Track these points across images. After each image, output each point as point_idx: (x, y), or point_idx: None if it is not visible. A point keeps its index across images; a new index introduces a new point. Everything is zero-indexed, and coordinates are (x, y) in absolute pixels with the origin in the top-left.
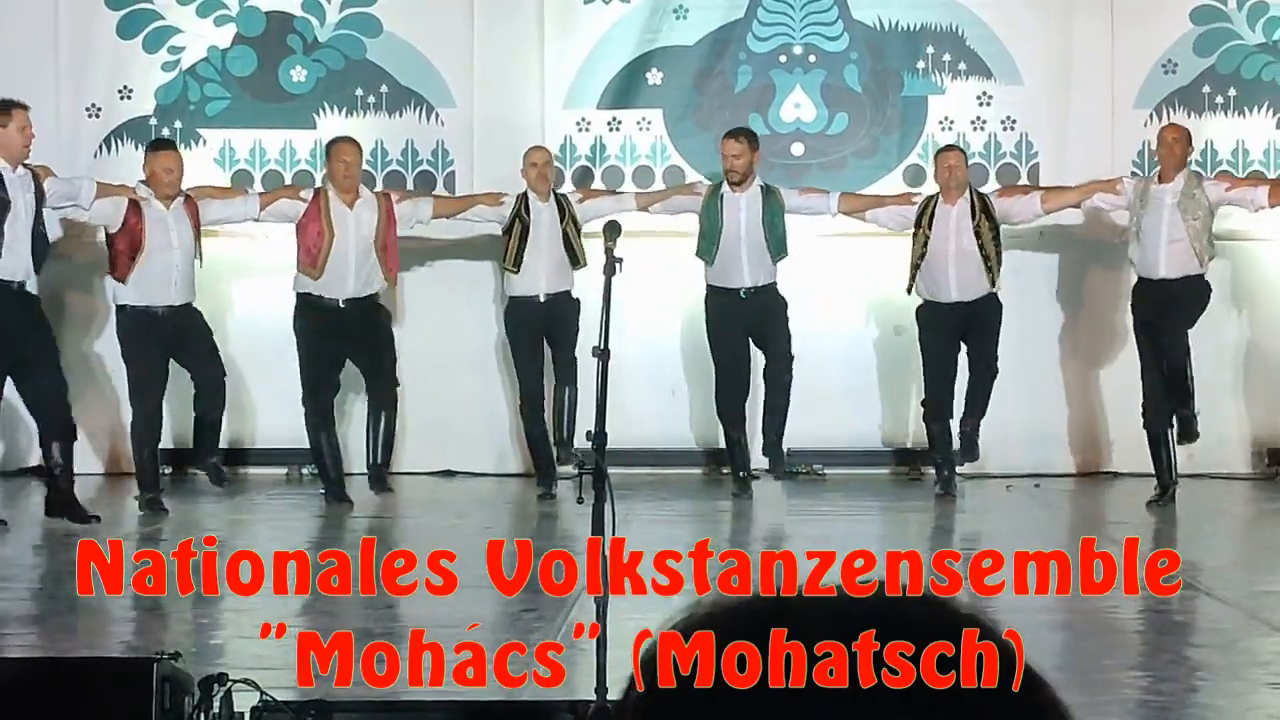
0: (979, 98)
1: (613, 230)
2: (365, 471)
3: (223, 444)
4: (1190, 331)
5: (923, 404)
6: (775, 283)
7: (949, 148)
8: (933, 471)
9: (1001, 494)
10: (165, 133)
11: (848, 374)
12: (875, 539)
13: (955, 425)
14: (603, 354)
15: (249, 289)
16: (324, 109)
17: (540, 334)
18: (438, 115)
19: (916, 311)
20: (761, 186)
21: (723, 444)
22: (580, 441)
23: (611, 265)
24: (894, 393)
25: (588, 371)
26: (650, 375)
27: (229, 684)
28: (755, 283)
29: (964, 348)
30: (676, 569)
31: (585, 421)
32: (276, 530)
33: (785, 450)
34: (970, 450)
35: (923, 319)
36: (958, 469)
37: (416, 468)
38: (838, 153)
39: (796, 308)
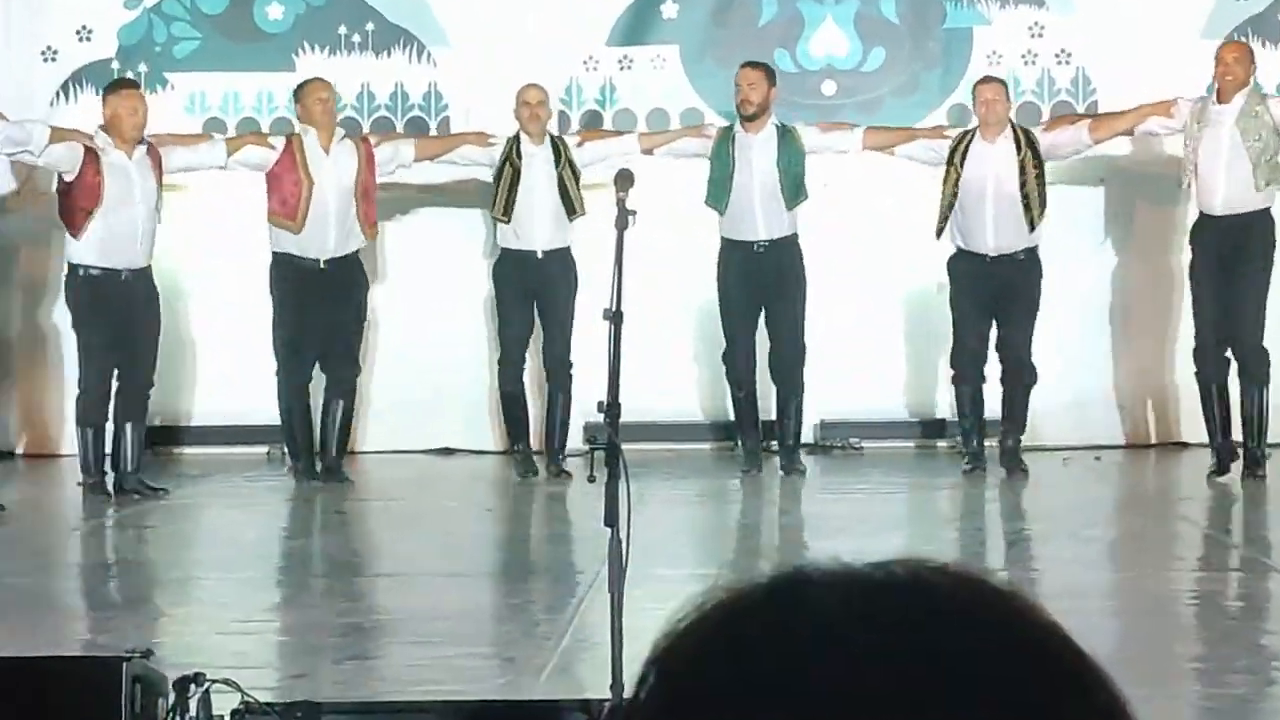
0: (1030, 29)
1: (625, 179)
2: (321, 461)
3: (196, 421)
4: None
5: (951, 363)
6: (794, 234)
7: (987, 79)
8: (960, 442)
9: (1056, 469)
10: (129, 77)
11: (877, 343)
12: (914, 519)
13: (986, 390)
14: (615, 316)
15: (211, 248)
16: (304, 49)
17: (531, 294)
18: (430, 55)
19: (949, 263)
20: (777, 126)
21: (732, 415)
22: (591, 415)
23: (624, 218)
24: (924, 361)
25: (581, 346)
26: (658, 340)
27: (206, 684)
28: (770, 235)
29: (995, 324)
30: (697, 556)
31: (586, 393)
32: (255, 515)
33: (801, 451)
34: (1013, 466)
35: (956, 273)
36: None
37: (411, 445)
38: (873, 91)
39: (824, 262)
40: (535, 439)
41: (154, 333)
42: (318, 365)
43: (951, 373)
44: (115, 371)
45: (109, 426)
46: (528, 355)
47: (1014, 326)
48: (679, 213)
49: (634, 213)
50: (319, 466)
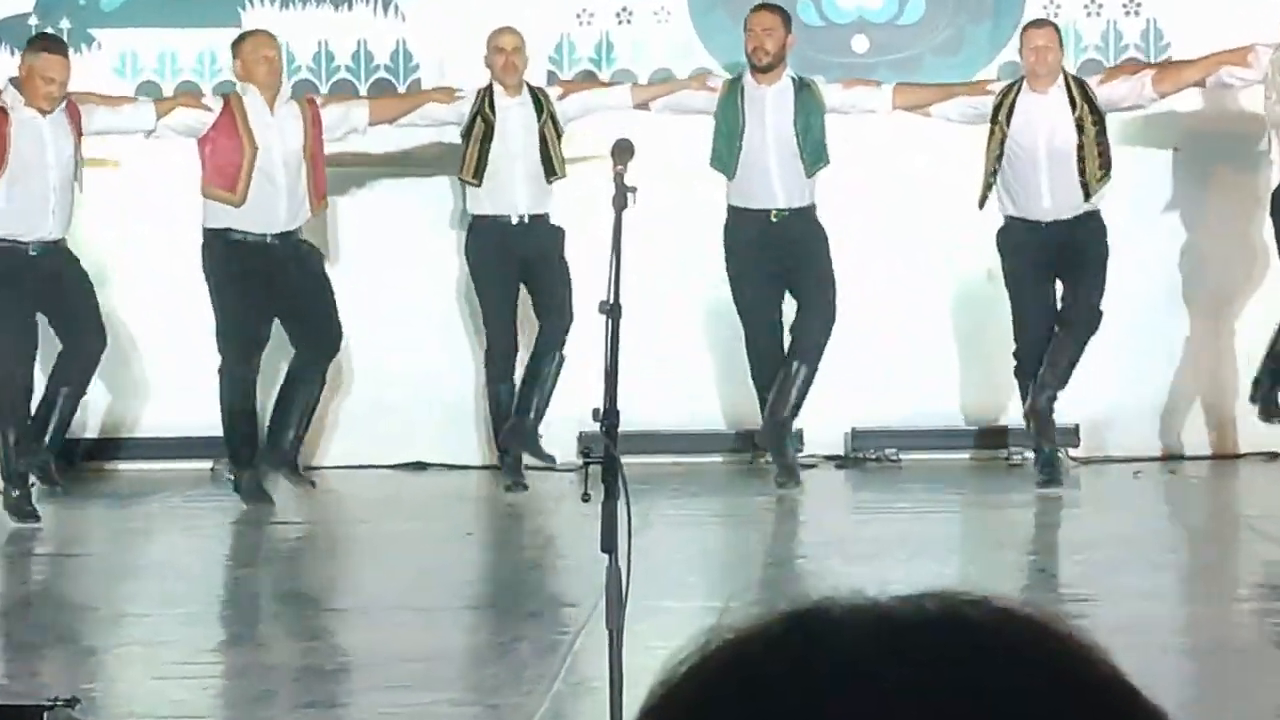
0: None
1: (623, 151)
2: (270, 455)
3: (141, 431)
4: None
5: (1014, 355)
6: (813, 205)
7: (1038, 23)
8: (1031, 454)
9: (1125, 483)
10: (52, 33)
11: (921, 334)
12: (961, 542)
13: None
14: (612, 310)
15: (140, 230)
16: (251, 1)
17: (514, 266)
18: (398, 8)
19: (998, 236)
20: (793, 79)
21: (760, 420)
22: (586, 424)
23: (622, 196)
24: (980, 357)
25: (578, 337)
26: (663, 335)
27: None
28: (788, 204)
29: (1060, 291)
30: (708, 586)
31: (580, 399)
32: (197, 540)
33: (797, 435)
34: (1044, 431)
35: (1007, 244)
36: (1058, 453)
37: (377, 459)
38: (911, 48)
39: (848, 243)
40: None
41: (85, 296)
42: (292, 344)
43: (1014, 364)
44: (33, 362)
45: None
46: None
47: (1082, 283)
48: (688, 183)
49: (634, 190)
50: (274, 460)
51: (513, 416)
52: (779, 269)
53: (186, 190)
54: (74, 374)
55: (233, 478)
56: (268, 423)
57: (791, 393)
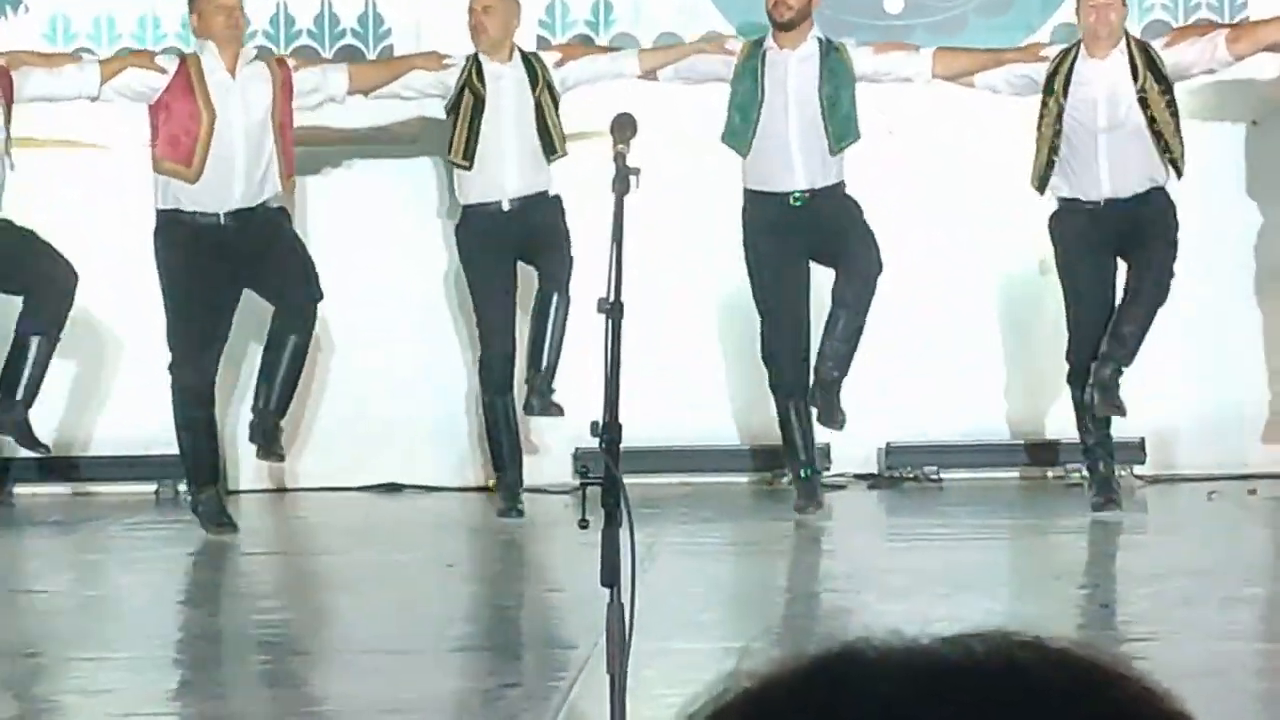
0: None
1: (624, 127)
2: (253, 413)
3: (96, 449)
4: None
5: (1067, 358)
6: (841, 183)
7: None
8: (1086, 471)
9: (1199, 504)
10: None
11: (963, 336)
12: (1011, 574)
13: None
14: (612, 309)
15: (82, 217)
16: None
17: (510, 257)
18: None
19: (1050, 221)
20: (821, 41)
21: (778, 437)
22: (583, 439)
23: (623, 179)
24: (1029, 361)
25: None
26: (671, 338)
27: None
28: (811, 184)
29: (1120, 265)
30: (723, 625)
31: (576, 411)
32: (142, 575)
33: (823, 450)
34: (1109, 402)
35: (1060, 230)
36: (1109, 455)
37: (346, 480)
38: (953, 8)
39: (880, 233)
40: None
41: (39, 250)
42: (270, 302)
43: (1067, 369)
44: None
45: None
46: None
47: (1149, 261)
48: (701, 162)
49: (637, 171)
50: (251, 418)
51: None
52: (804, 257)
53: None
54: (39, 318)
55: (191, 499)
56: (255, 384)
57: (833, 344)
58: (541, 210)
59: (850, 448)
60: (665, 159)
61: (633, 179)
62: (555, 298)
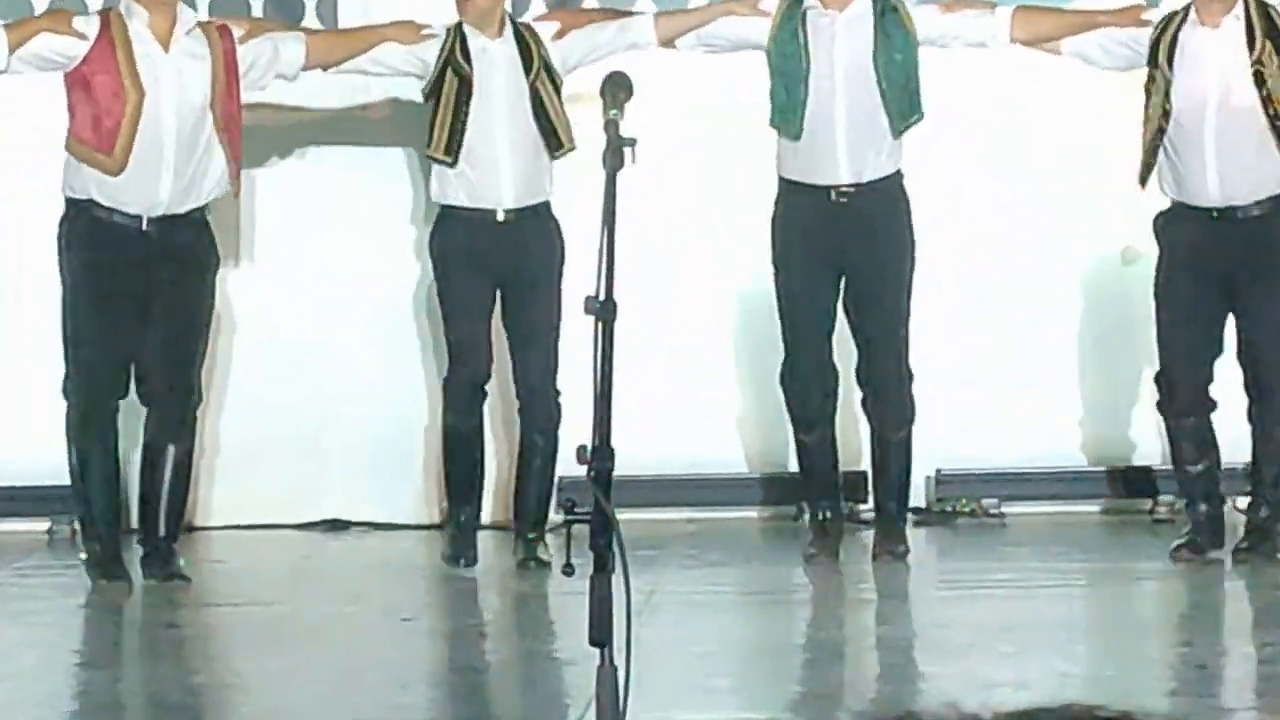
0: None
1: (616, 86)
2: (142, 546)
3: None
4: None
5: (1156, 381)
6: (897, 174)
7: None
8: (1182, 504)
9: None
10: None
11: (1030, 342)
12: (1092, 631)
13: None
14: (603, 309)
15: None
16: None
17: (492, 277)
18: None
19: (1156, 221)
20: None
21: (794, 464)
22: (569, 466)
23: (616, 151)
24: (1111, 373)
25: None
26: (674, 347)
27: None
28: (858, 176)
29: (1232, 315)
30: (737, 692)
31: (568, 427)
32: (31, 629)
33: (857, 482)
34: (1263, 548)
35: (1168, 240)
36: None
37: (282, 517)
38: None
39: (933, 223)
40: (487, 505)
41: None
42: (134, 389)
43: (1156, 396)
44: None
45: None
46: (492, 373)
47: (1264, 319)
48: (719, 136)
49: (632, 142)
50: (142, 552)
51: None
52: (838, 270)
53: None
54: None
55: (85, 555)
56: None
57: (890, 475)
58: (539, 232)
59: None
60: (675, 132)
61: (627, 152)
62: (538, 445)
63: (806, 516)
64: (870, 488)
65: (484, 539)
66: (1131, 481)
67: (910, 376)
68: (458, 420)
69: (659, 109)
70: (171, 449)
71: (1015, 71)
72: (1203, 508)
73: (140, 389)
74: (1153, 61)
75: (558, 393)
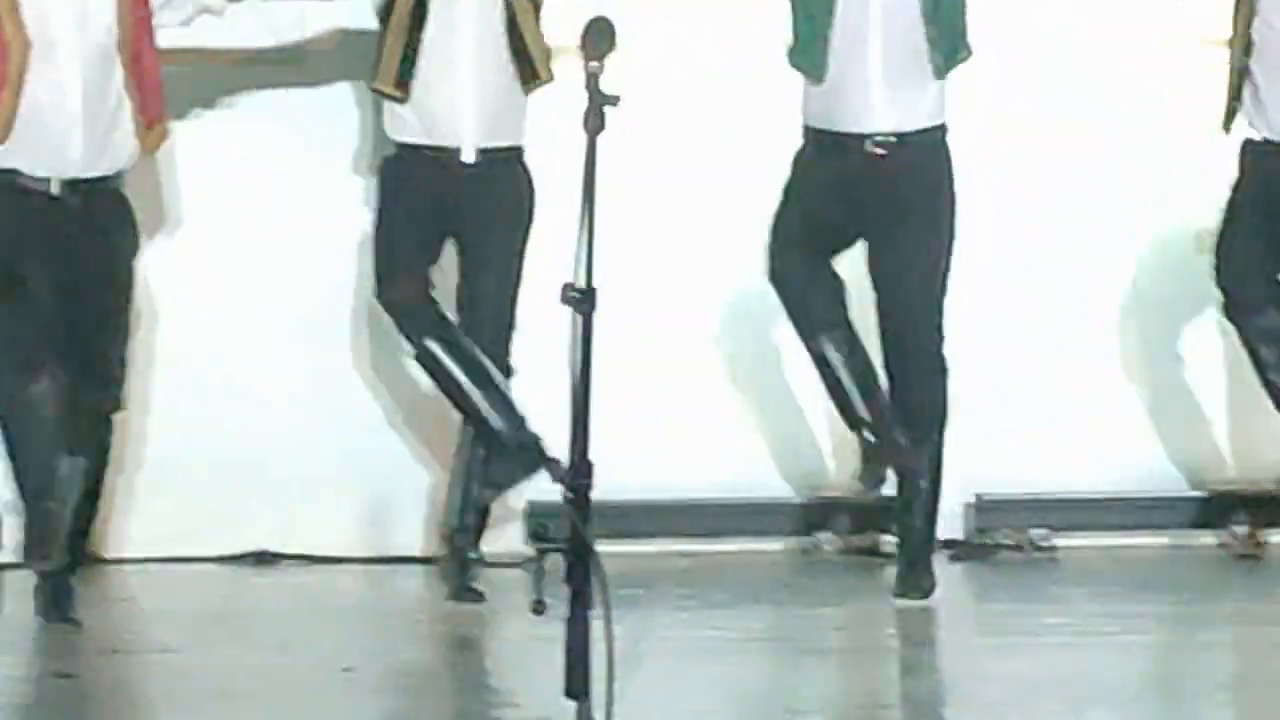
0: None
1: (599, 37)
2: (36, 586)
3: None
4: None
5: (1219, 283)
6: (941, 127)
7: None
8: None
9: None
10: None
11: (1085, 344)
12: (1160, 685)
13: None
14: (582, 299)
15: None
16: None
17: (445, 224)
18: None
19: (1241, 154)
20: None
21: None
22: (540, 486)
23: (598, 111)
24: (1180, 379)
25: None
26: (669, 344)
27: None
28: (898, 125)
29: None
30: None
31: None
32: None
33: (881, 508)
34: None
35: (1254, 171)
36: None
37: (201, 548)
38: None
39: (973, 195)
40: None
41: None
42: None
43: (1221, 298)
44: None
45: None
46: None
47: None
48: (725, 99)
49: (615, 100)
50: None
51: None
52: (860, 225)
53: None
54: None
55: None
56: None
57: (917, 501)
58: (506, 180)
59: None
60: (663, 84)
61: (609, 111)
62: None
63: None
64: (897, 511)
65: (422, 574)
66: (1207, 509)
67: (945, 368)
68: (425, 338)
69: (651, 73)
70: (82, 461)
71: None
72: None
73: (53, 381)
74: None
75: (510, 369)
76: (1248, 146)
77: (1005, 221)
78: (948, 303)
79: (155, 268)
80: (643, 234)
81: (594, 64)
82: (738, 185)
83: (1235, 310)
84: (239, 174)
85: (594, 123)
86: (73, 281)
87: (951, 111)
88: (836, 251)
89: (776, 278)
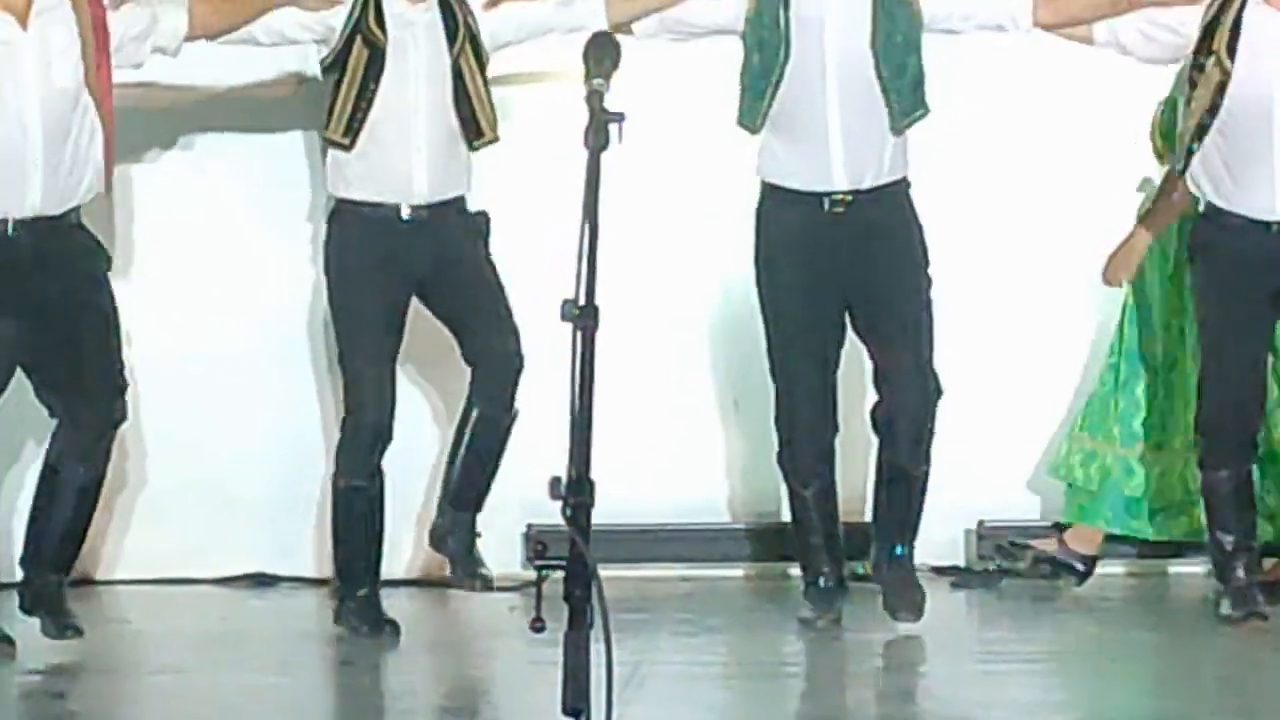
0: None
1: (602, 50)
2: (23, 590)
3: None
4: None
5: (1199, 429)
6: (902, 181)
7: None
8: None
9: None
10: None
11: (1084, 363)
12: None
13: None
14: (583, 315)
15: None
16: None
17: (404, 287)
18: None
19: (1190, 233)
20: None
21: (788, 515)
22: (538, 505)
23: (602, 128)
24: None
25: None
26: (670, 364)
27: None
28: (857, 182)
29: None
30: None
31: (528, 463)
32: None
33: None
34: None
35: (1203, 248)
36: None
37: (189, 570)
38: None
39: (957, 227)
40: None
41: None
42: (50, 412)
43: (1200, 442)
44: None
45: None
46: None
47: None
48: (705, 133)
49: (620, 118)
50: (27, 600)
51: (439, 513)
52: (839, 294)
53: None
54: None
55: None
56: (24, 534)
57: (901, 513)
58: (458, 229)
59: (924, 528)
60: (666, 105)
61: (614, 130)
62: (500, 414)
63: (804, 577)
64: (875, 529)
65: (417, 596)
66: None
67: (938, 391)
68: (353, 480)
69: (648, 93)
70: (81, 474)
71: (1035, 61)
72: (1239, 575)
73: (63, 410)
74: (1205, 49)
75: (521, 359)
76: (1197, 224)
77: (1005, 247)
78: (952, 333)
79: (133, 290)
80: (646, 242)
81: (597, 80)
82: (732, 209)
83: (1207, 458)
84: (190, 209)
85: (597, 139)
86: (37, 319)
87: (932, 159)
88: (837, 347)
89: (781, 425)
